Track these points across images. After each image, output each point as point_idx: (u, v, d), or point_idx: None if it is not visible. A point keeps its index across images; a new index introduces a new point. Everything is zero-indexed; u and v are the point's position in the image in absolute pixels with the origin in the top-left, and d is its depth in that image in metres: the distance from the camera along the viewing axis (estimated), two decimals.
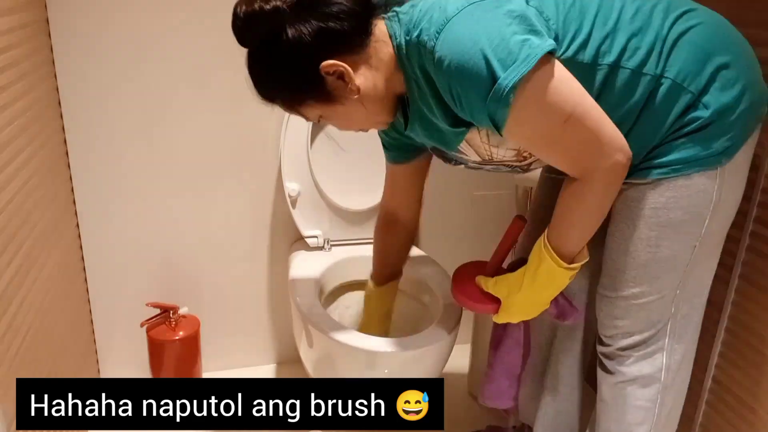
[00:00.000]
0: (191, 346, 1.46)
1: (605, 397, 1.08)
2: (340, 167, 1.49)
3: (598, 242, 1.03)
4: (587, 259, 0.94)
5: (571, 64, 0.84)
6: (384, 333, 1.31)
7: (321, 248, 1.51)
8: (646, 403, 1.04)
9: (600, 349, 1.08)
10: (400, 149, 1.14)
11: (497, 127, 0.83)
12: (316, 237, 1.50)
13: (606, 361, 1.07)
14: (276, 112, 1.52)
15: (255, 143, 1.49)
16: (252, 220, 1.56)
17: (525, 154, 0.97)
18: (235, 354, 1.69)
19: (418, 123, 0.97)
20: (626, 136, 0.86)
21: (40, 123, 1.19)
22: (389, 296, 1.32)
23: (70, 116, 1.36)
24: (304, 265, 1.42)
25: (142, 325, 1.44)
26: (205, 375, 1.67)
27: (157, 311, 1.48)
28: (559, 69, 0.81)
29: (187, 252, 1.54)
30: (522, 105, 0.80)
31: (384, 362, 1.13)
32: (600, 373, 1.09)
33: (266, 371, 1.70)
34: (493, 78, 0.78)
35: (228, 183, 1.51)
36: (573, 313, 1.10)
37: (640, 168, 0.92)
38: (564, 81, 0.81)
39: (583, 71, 0.85)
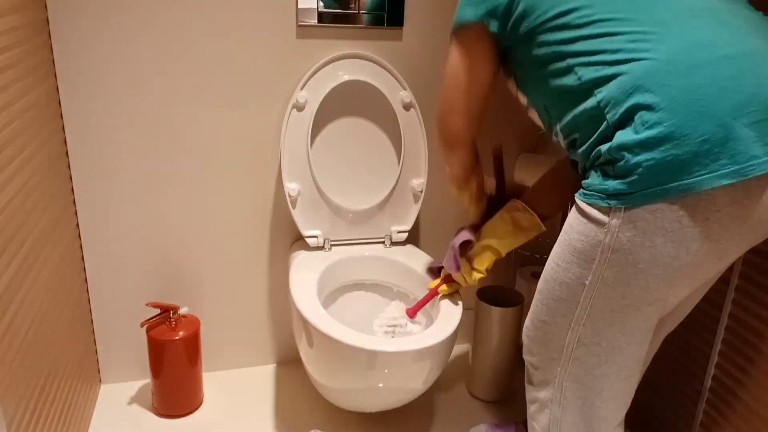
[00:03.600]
0: (191, 346, 1.46)
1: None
2: (340, 167, 1.49)
3: None
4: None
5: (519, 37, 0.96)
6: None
7: (321, 248, 1.51)
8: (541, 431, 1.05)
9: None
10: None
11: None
12: (316, 237, 1.50)
13: (526, 375, 1.10)
14: (276, 112, 1.53)
15: (255, 143, 1.49)
16: (252, 220, 1.56)
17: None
18: (235, 354, 1.69)
19: None
20: (574, 140, 0.92)
21: (40, 123, 1.19)
22: (534, 228, 1.23)
23: (70, 116, 1.36)
24: (304, 265, 1.42)
25: (142, 325, 1.44)
26: (205, 375, 1.67)
27: (157, 311, 1.48)
28: (476, 40, 1.01)
29: (187, 252, 1.55)
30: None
31: (384, 362, 1.13)
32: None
33: (266, 371, 1.71)
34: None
35: (228, 183, 1.51)
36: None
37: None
38: (468, 53, 1.02)
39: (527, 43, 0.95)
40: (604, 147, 0.84)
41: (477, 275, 1.25)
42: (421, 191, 1.53)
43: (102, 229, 1.47)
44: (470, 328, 1.61)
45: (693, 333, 1.28)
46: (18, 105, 1.07)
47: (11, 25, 1.06)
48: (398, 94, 1.45)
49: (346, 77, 1.41)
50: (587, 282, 0.90)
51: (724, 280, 1.19)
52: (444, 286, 1.30)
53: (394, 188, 1.51)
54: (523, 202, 1.21)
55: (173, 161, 1.46)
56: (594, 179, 0.87)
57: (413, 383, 1.19)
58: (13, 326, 0.98)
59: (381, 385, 1.17)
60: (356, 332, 1.16)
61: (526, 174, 1.53)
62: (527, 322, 1.04)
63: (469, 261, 1.25)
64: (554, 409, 1.01)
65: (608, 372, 0.95)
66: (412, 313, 1.34)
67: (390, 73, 1.44)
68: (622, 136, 0.81)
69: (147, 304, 1.45)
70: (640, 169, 0.79)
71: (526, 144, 1.68)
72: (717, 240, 0.82)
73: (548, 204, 1.20)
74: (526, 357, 1.06)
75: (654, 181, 0.79)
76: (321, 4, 1.40)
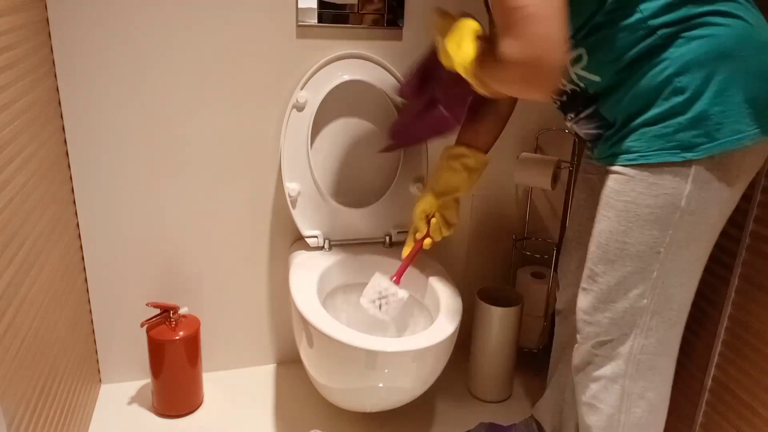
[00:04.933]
0: (191, 346, 1.46)
1: (575, 396, 1.10)
2: (340, 167, 1.49)
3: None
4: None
5: None
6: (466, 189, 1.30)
7: (321, 248, 1.51)
8: (609, 408, 1.04)
9: (573, 358, 1.09)
10: None
11: None
12: (316, 237, 1.50)
13: (576, 373, 1.08)
14: (276, 112, 1.53)
15: (255, 143, 1.49)
16: (252, 220, 1.56)
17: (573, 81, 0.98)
18: (235, 354, 1.69)
19: None
20: (616, 88, 0.89)
21: (40, 123, 1.19)
22: (483, 165, 1.28)
23: (70, 116, 1.36)
24: (304, 265, 1.42)
25: (142, 325, 1.44)
26: (205, 375, 1.67)
27: (157, 311, 1.48)
28: None
29: (187, 252, 1.55)
30: None
31: (384, 362, 1.13)
32: (573, 371, 1.10)
33: (266, 371, 1.71)
34: None
35: (228, 183, 1.51)
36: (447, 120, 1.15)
37: (611, 153, 0.93)
38: None
39: None
40: (671, 96, 0.85)
41: (452, 229, 1.31)
42: (421, 191, 1.53)
43: (102, 229, 1.47)
44: (470, 328, 1.62)
45: (693, 333, 1.28)
46: (18, 105, 1.07)
47: (11, 25, 1.05)
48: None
49: (346, 77, 1.41)
50: (662, 249, 0.92)
51: (724, 280, 1.19)
52: (428, 240, 1.31)
53: (394, 188, 1.51)
54: (465, 144, 1.26)
55: (173, 161, 1.46)
56: (660, 136, 0.87)
57: (413, 383, 1.19)
58: (13, 326, 0.98)
59: (381, 385, 1.17)
60: (356, 332, 1.16)
61: (526, 174, 1.53)
62: (585, 307, 1.02)
63: (441, 210, 1.29)
64: (626, 383, 1.01)
65: (677, 333, 1.01)
66: (398, 279, 1.33)
67: (390, 73, 1.44)
68: (692, 81, 0.84)
69: (147, 304, 1.45)
70: (725, 119, 0.84)
71: (526, 144, 1.68)
72: (741, 189, 0.93)
73: (487, 136, 1.26)
74: (585, 343, 1.04)
75: (729, 130, 0.85)
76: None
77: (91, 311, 1.53)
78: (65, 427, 1.24)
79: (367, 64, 1.43)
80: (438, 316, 1.25)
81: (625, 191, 0.92)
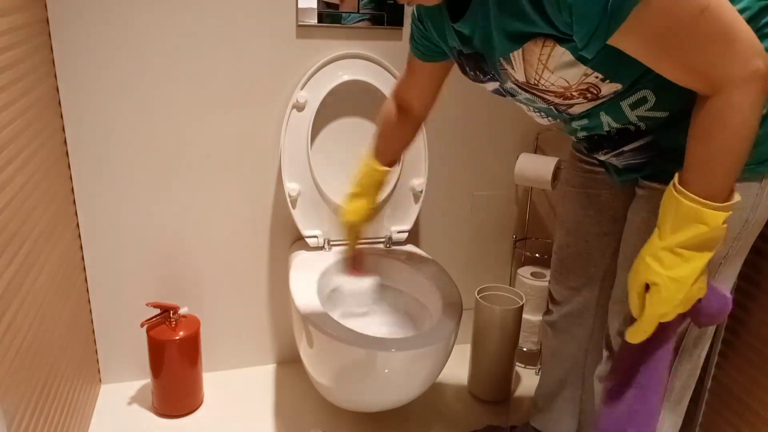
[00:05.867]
0: (191, 346, 1.46)
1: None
2: (340, 167, 1.49)
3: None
4: (740, 200, 0.78)
5: None
6: (372, 207, 1.29)
7: (321, 248, 1.51)
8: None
9: (601, 368, 1.05)
10: (426, 48, 1.07)
11: (606, 31, 0.72)
12: (316, 237, 1.50)
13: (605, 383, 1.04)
14: (276, 112, 1.53)
15: (255, 143, 1.49)
16: (252, 220, 1.56)
17: (570, 93, 0.87)
18: (235, 354, 1.69)
19: (473, 20, 0.86)
20: (684, 117, 0.79)
21: (40, 123, 1.19)
22: (385, 176, 1.27)
23: (70, 116, 1.36)
24: (304, 265, 1.42)
25: (142, 325, 1.44)
26: (205, 375, 1.67)
27: (157, 311, 1.48)
28: None
29: (187, 252, 1.55)
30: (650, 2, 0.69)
31: (384, 362, 1.13)
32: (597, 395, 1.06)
33: (266, 371, 1.71)
34: None
35: (228, 183, 1.51)
36: (726, 302, 0.84)
37: (665, 168, 0.88)
38: None
39: None
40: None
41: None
42: (421, 191, 1.53)
43: (102, 229, 1.47)
44: (470, 328, 1.62)
45: None
46: (18, 105, 1.07)
47: (11, 25, 1.05)
48: None
49: (346, 77, 1.41)
50: (723, 261, 0.90)
51: None
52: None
53: (394, 188, 1.51)
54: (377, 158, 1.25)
55: (173, 161, 1.46)
56: None
57: (413, 383, 1.19)
58: (13, 326, 0.98)
59: (381, 385, 1.17)
60: (356, 332, 1.16)
61: (526, 174, 1.53)
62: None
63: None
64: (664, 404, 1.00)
65: (707, 342, 0.98)
66: (357, 271, 1.33)
67: (390, 73, 1.44)
68: None
69: (147, 304, 1.45)
70: None
71: (526, 144, 1.68)
72: None
73: (389, 149, 1.25)
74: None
75: None
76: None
77: (91, 311, 1.53)
78: (65, 427, 1.24)
79: (367, 64, 1.43)
80: (438, 316, 1.25)
81: None
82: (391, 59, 1.48)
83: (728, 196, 0.76)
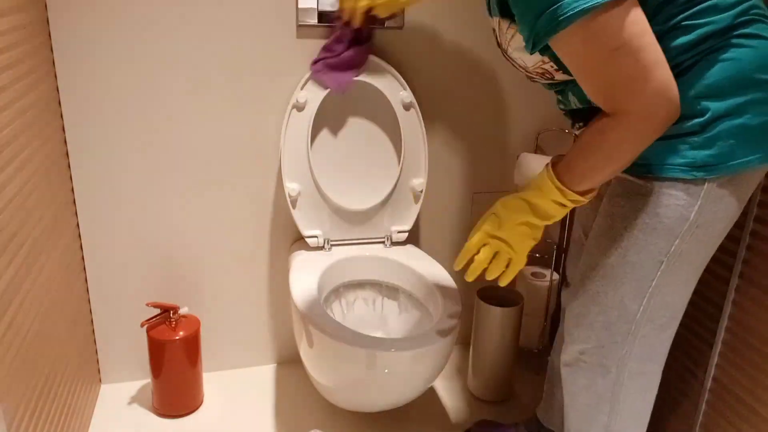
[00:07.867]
0: (191, 346, 1.46)
1: (564, 400, 1.10)
2: (340, 167, 1.49)
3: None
4: (585, 201, 0.90)
5: None
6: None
7: (321, 248, 1.51)
8: (600, 416, 1.04)
9: (562, 354, 1.08)
10: None
11: (539, 38, 0.80)
12: (316, 237, 1.50)
13: (564, 368, 1.08)
14: (276, 112, 1.53)
15: (255, 143, 1.49)
16: (252, 220, 1.56)
17: (531, 72, 0.96)
18: (235, 354, 1.69)
19: None
20: None
21: (40, 123, 1.19)
22: None
23: (70, 116, 1.36)
24: (304, 265, 1.42)
25: (142, 325, 1.44)
26: (205, 375, 1.67)
27: (157, 311, 1.48)
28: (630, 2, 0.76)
29: (187, 252, 1.55)
30: (573, 30, 0.76)
31: (384, 362, 1.13)
32: (562, 365, 1.09)
33: (266, 371, 1.71)
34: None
35: (228, 183, 1.51)
36: None
37: None
38: (629, 15, 0.75)
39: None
40: (698, 119, 0.84)
41: None
42: (421, 191, 1.53)
43: (102, 229, 1.47)
44: (470, 328, 1.62)
45: (693, 333, 1.28)
46: (18, 105, 1.07)
47: (11, 25, 1.05)
48: (398, 94, 1.45)
49: None
50: (665, 259, 0.92)
51: (724, 280, 1.19)
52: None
53: (394, 188, 1.51)
54: None
55: (173, 161, 1.46)
56: (673, 152, 0.86)
57: (413, 383, 1.19)
58: (13, 326, 0.98)
59: (381, 385, 1.17)
60: (356, 332, 1.16)
61: (526, 174, 1.53)
62: (576, 312, 1.01)
63: None
64: (615, 388, 1.02)
65: (668, 337, 1.00)
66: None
67: (390, 73, 1.44)
68: (717, 105, 0.83)
69: (147, 304, 1.45)
70: (732, 140, 0.83)
71: (526, 144, 1.68)
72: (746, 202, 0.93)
73: None
74: (573, 345, 1.03)
75: (743, 152, 0.84)
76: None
77: (91, 311, 1.53)
78: (65, 427, 1.24)
79: (366, 64, 1.43)
80: (438, 316, 1.25)
81: (633, 199, 0.92)
82: (391, 59, 1.48)
83: (580, 191, 0.88)
